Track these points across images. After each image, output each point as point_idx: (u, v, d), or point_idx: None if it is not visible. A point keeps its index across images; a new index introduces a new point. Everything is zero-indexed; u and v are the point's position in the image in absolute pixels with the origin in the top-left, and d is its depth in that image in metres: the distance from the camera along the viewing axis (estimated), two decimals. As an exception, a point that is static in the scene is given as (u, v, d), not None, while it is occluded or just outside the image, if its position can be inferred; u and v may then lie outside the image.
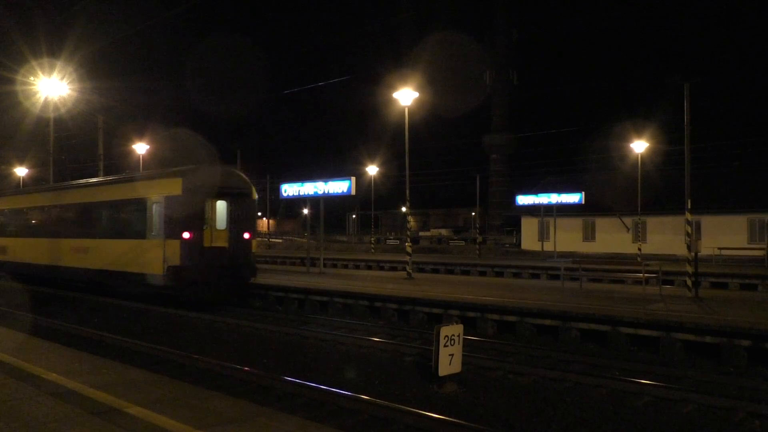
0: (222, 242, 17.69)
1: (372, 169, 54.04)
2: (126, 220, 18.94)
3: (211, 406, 6.03)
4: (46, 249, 22.66)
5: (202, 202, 17.31)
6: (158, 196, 17.47)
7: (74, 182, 26.90)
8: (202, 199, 17.30)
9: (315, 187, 23.78)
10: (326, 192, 23.44)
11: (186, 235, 16.89)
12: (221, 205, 17.82)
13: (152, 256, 17.32)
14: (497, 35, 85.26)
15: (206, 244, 17.35)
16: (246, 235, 18.26)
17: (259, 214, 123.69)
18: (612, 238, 42.42)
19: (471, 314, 14.43)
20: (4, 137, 51.11)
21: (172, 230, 16.96)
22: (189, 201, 17.01)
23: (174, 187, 17.32)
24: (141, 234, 17.92)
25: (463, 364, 9.54)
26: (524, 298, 15.46)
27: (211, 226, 17.60)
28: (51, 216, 23.03)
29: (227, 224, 17.81)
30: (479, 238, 47.10)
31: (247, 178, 19.24)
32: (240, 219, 18.08)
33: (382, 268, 32.44)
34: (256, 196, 19.13)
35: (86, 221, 20.76)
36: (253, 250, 19.07)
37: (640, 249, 32.73)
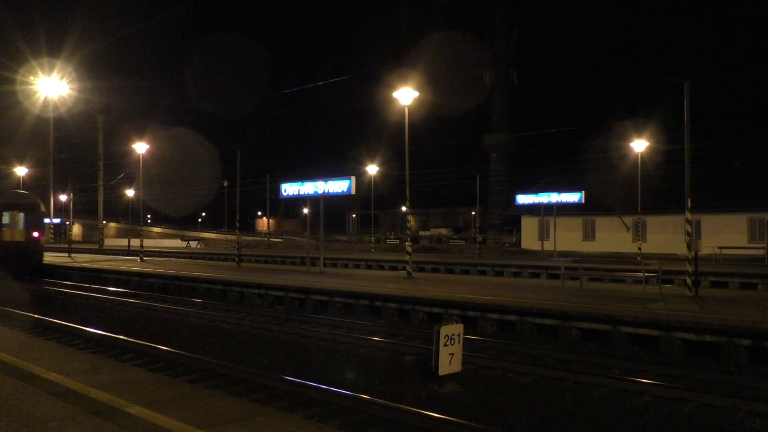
0: (20, 238, 27.89)
1: (372, 169, 53.95)
2: None
3: (211, 406, 6.02)
4: None
5: (1, 214, 27.55)
6: None
7: None
8: (0, 212, 27.61)
9: (315, 187, 23.76)
10: (326, 191, 23.41)
11: None
12: (20, 215, 28.08)
13: None
14: (497, 35, 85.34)
15: (7, 239, 27.46)
16: (36, 234, 28.45)
17: (259, 213, 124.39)
18: (612, 237, 42.46)
19: (471, 313, 14.43)
20: (4, 137, 51.12)
21: None
22: None
23: None
24: None
25: (464, 363, 9.55)
26: (524, 297, 15.45)
27: (13, 228, 27.78)
28: None
29: (23, 227, 28.03)
30: (479, 238, 47.10)
31: (36, 198, 30.26)
32: (32, 223, 28.33)
33: (382, 268, 32.46)
34: (43, 209, 30.22)
35: None
36: (41, 243, 29.24)
37: (640, 248, 32.71)
